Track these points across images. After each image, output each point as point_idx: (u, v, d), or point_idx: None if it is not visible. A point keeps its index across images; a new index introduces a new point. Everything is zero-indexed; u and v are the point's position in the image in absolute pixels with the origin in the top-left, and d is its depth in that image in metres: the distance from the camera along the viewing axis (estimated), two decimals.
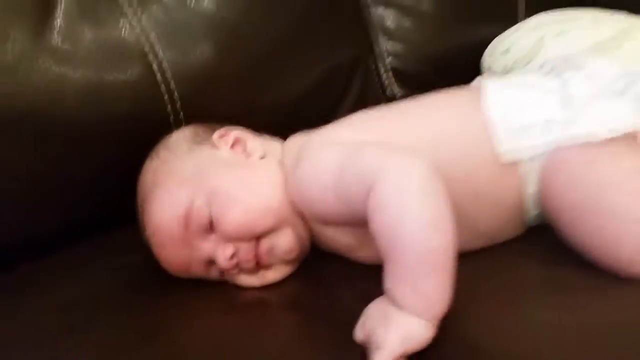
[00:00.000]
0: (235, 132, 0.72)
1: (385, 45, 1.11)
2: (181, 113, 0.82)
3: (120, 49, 0.79)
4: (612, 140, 0.62)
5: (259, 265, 0.66)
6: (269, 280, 0.67)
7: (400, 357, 0.52)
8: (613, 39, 0.86)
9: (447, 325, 0.55)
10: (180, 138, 0.72)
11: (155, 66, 0.81)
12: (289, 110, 0.94)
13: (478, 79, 0.78)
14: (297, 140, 0.72)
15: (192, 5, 0.85)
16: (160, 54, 0.81)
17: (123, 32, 0.80)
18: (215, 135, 0.71)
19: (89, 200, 0.81)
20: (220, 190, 0.65)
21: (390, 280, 0.56)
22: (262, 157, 0.70)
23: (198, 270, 0.67)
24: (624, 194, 0.59)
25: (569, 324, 0.55)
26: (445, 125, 0.68)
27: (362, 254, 0.67)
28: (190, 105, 0.83)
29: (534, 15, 1.01)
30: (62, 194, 0.79)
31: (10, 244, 0.77)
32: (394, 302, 0.55)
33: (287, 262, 0.68)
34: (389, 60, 1.11)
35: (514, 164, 0.65)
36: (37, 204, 0.78)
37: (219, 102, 0.86)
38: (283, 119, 0.88)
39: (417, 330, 0.53)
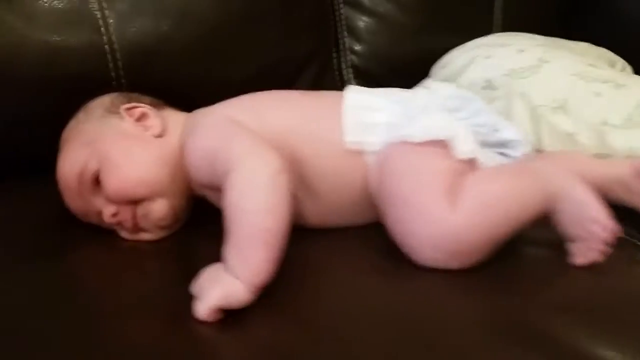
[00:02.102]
0: (142, 109, 0.81)
1: (349, 43, 1.18)
2: (123, 80, 0.92)
3: (74, 15, 0.90)
4: (426, 143, 0.72)
5: (136, 227, 0.76)
6: (143, 239, 0.77)
7: (217, 310, 0.61)
8: (525, 69, 0.91)
9: (273, 294, 0.64)
10: (98, 104, 0.83)
11: (105, 36, 0.91)
12: (235, 91, 0.99)
13: None
14: (195, 115, 0.83)
15: None
16: (111, 25, 0.91)
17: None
18: (123, 107, 0.81)
19: (33, 142, 0.91)
20: (109, 156, 0.75)
21: (227, 248, 0.65)
22: (158, 135, 0.80)
23: (92, 218, 0.78)
24: (423, 193, 0.69)
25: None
26: (309, 114, 0.80)
27: None
28: (133, 75, 0.92)
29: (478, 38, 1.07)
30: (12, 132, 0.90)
31: None
32: (226, 267, 0.64)
33: (161, 227, 0.77)
34: (350, 57, 1.18)
35: (358, 153, 0.76)
36: None
37: (163, 74, 0.95)
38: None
39: (238, 291, 0.62)
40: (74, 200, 0.77)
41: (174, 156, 0.78)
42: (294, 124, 0.78)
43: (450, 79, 1.00)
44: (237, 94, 0.97)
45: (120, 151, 0.76)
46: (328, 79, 1.17)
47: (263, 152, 0.70)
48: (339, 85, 1.18)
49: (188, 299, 0.63)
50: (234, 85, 0.99)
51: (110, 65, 0.91)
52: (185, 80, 0.98)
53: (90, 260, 0.76)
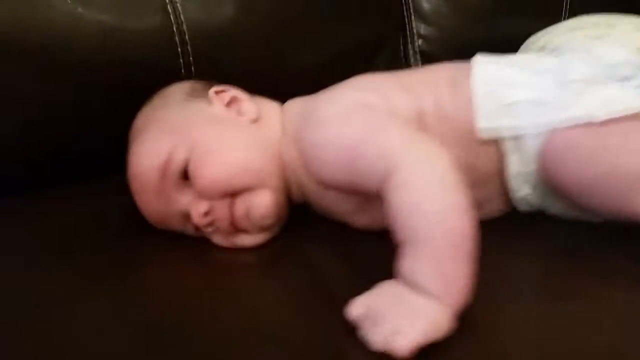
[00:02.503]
0: (233, 92, 0.71)
1: (418, 27, 1.08)
2: (192, 67, 0.82)
3: None
4: (613, 121, 0.61)
5: (233, 227, 0.65)
6: (242, 244, 0.65)
7: (421, 345, 0.47)
8: None
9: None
10: (177, 89, 0.72)
11: (172, 18, 0.80)
12: (304, 79, 0.91)
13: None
14: (299, 103, 0.72)
15: None
16: (179, 6, 0.81)
17: None
18: (212, 90, 0.70)
19: (90, 138, 0.80)
20: (201, 144, 0.64)
21: (411, 261, 0.52)
22: (254, 120, 0.69)
23: (174, 223, 0.66)
24: None
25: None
26: (434, 95, 0.68)
27: (358, 220, 0.67)
28: (202, 61, 0.82)
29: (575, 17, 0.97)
30: (66, 128, 0.79)
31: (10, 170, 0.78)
32: (414, 286, 0.50)
33: (262, 228, 0.66)
34: (418, 42, 1.08)
35: (494, 141, 0.66)
36: (42, 134, 0.78)
37: (232, 61, 0.85)
38: (297, 88, 0.87)
39: (440, 317, 0.48)
40: (152, 201, 0.65)
41: (275, 145, 0.68)
42: (423, 109, 0.67)
43: None
44: (307, 83, 0.88)
45: (215, 136, 0.65)
46: (396, 66, 1.06)
47: (428, 142, 0.58)
48: None
49: (336, 325, 0.51)
50: (304, 74, 0.93)
51: (179, 50, 0.81)
52: (254, 68, 0.88)
53: (174, 275, 0.64)
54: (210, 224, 0.64)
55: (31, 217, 0.74)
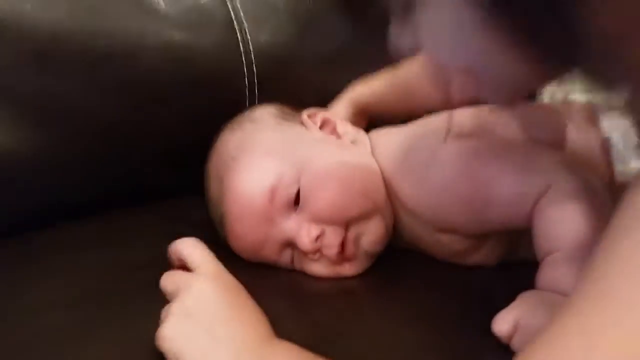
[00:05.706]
0: (324, 113, 0.69)
1: None
2: (256, 85, 0.81)
3: (207, 13, 0.78)
4: None
5: (341, 254, 0.61)
6: (343, 273, 0.63)
7: None
8: None
9: None
10: (266, 113, 0.69)
11: (239, 36, 0.79)
12: None
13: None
14: (390, 134, 0.69)
15: None
16: (245, 25, 0.80)
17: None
18: (304, 114, 0.68)
19: (150, 161, 0.78)
20: (313, 165, 0.61)
21: (559, 269, 0.52)
22: (353, 142, 0.67)
23: (271, 252, 0.63)
24: None
25: None
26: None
27: (470, 259, 0.66)
28: (266, 80, 0.81)
29: None
30: (127, 147, 0.75)
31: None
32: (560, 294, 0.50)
33: (368, 255, 0.63)
34: None
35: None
36: (99, 150, 0.75)
37: (296, 82, 0.84)
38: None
39: None
40: (253, 227, 0.62)
41: (379, 170, 0.65)
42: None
43: None
44: None
45: (327, 159, 0.63)
46: None
47: (568, 170, 0.57)
48: None
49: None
50: None
51: (244, 68, 0.79)
52: (319, 90, 0.85)
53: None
54: (317, 250, 0.61)
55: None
